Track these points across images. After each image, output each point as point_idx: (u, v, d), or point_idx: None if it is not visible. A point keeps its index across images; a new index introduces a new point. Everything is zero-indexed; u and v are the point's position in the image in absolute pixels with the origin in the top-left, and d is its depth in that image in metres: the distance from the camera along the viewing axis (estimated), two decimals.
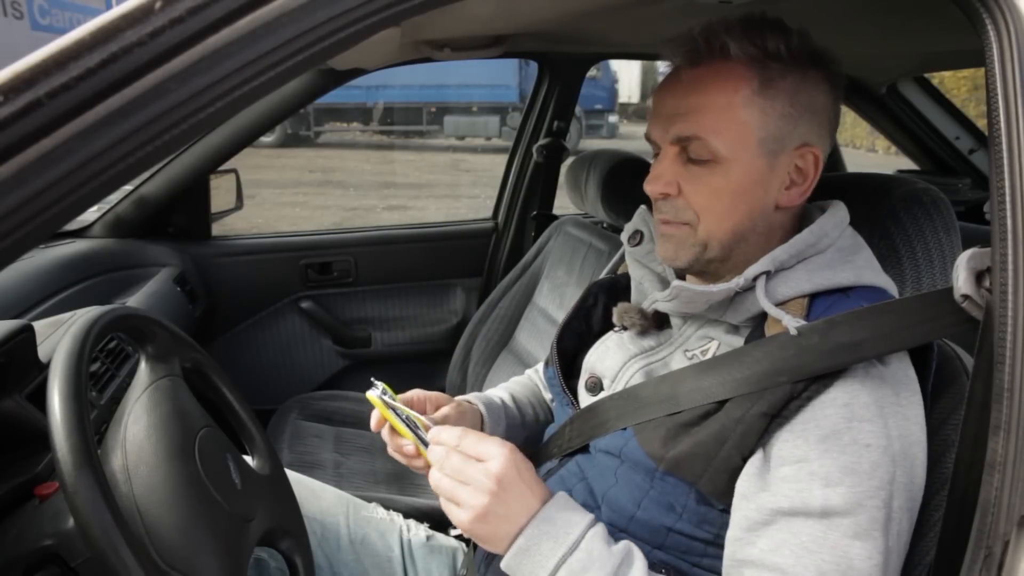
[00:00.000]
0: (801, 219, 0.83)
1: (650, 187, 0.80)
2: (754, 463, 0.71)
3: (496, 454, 0.71)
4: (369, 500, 1.23)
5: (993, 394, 0.61)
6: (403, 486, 1.59)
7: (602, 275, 1.04)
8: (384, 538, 1.14)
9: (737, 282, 0.76)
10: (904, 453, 0.68)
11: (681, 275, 0.88)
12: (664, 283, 0.88)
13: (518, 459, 0.72)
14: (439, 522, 1.23)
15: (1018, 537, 0.60)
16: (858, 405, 0.68)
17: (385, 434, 0.85)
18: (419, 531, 1.17)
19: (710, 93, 0.76)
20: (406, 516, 1.21)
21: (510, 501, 0.70)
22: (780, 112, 0.76)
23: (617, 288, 0.99)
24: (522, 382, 1.17)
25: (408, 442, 0.81)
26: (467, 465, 0.72)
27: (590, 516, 0.72)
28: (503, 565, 0.71)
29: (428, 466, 0.76)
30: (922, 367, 0.74)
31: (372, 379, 0.83)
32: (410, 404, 0.86)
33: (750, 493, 0.70)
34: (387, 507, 1.22)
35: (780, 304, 0.76)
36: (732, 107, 0.75)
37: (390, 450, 0.86)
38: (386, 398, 0.81)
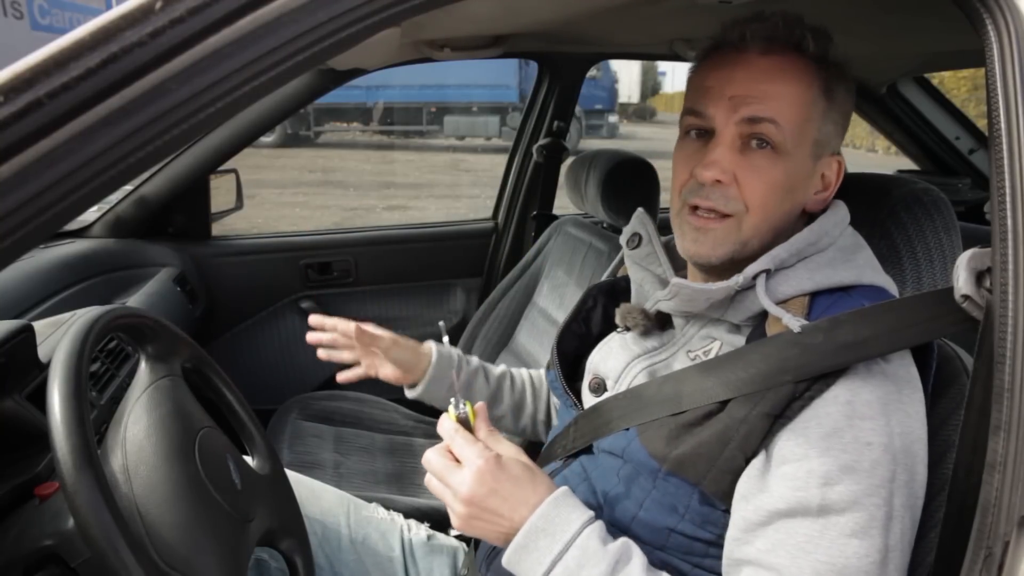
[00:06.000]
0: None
1: (707, 173, 0.75)
2: (756, 464, 0.71)
3: (471, 463, 0.71)
4: (369, 500, 1.23)
5: (993, 394, 0.61)
6: (403, 486, 1.59)
7: (602, 278, 1.04)
8: (385, 538, 1.14)
9: (736, 280, 0.75)
10: (906, 450, 0.68)
11: (682, 273, 0.88)
12: (665, 284, 0.88)
13: (494, 467, 0.71)
14: (439, 522, 1.23)
15: (1018, 537, 0.60)
16: (860, 403, 0.68)
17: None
18: (420, 531, 1.17)
19: (789, 83, 0.76)
20: (407, 516, 1.21)
21: (491, 506, 0.71)
22: (832, 118, 0.78)
23: (616, 291, 0.99)
24: (535, 374, 1.18)
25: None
26: (447, 470, 0.73)
27: (588, 514, 0.72)
28: (504, 562, 0.71)
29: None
30: (922, 367, 0.74)
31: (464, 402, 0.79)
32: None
33: (749, 494, 0.70)
34: (387, 507, 1.22)
35: (781, 303, 0.76)
36: (804, 103, 0.76)
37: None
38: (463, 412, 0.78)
